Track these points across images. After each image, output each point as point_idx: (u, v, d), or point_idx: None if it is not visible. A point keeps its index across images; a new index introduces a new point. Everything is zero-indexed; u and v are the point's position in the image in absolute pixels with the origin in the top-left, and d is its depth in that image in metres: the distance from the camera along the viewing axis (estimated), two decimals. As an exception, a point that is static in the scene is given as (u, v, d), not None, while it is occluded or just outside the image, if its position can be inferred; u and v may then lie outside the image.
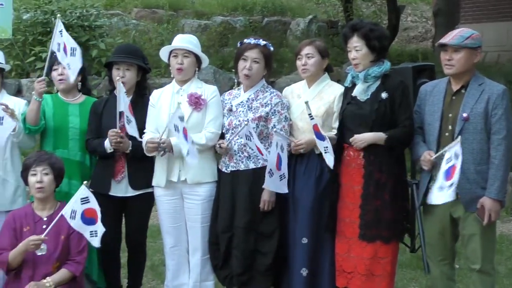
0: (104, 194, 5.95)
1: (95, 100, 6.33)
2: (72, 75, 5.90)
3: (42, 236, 5.26)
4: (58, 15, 6.01)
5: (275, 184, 5.50)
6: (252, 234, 5.71)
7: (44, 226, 5.44)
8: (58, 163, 5.59)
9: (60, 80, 6.13)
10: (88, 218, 5.26)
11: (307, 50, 5.77)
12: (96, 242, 5.29)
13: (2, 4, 9.15)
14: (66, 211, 5.20)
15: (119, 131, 5.79)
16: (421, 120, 5.49)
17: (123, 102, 5.66)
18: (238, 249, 5.72)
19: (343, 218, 5.60)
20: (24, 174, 5.58)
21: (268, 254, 5.72)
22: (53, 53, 5.91)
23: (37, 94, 5.90)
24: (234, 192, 5.75)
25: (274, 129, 5.66)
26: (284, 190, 5.53)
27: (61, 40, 5.81)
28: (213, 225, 5.88)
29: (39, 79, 5.94)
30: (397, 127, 5.43)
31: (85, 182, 5.44)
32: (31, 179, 5.50)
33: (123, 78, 5.95)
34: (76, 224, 5.24)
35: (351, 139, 5.46)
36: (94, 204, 5.27)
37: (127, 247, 6.26)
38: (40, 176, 5.47)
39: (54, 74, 6.16)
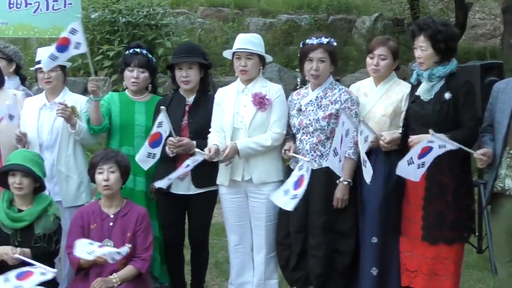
0: (167, 191, 6.02)
1: (160, 98, 6.39)
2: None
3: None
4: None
5: (335, 164, 5.39)
6: (330, 233, 5.68)
7: (111, 224, 5.52)
8: (124, 160, 5.67)
9: (134, 82, 6.20)
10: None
11: (381, 51, 5.70)
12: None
13: (71, 4, 9.29)
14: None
15: (176, 141, 5.78)
16: (492, 118, 5.40)
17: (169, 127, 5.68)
18: (317, 250, 5.68)
19: (408, 217, 5.55)
20: (91, 172, 5.67)
21: (347, 253, 5.70)
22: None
23: (92, 93, 5.99)
24: (308, 192, 5.66)
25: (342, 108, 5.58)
26: (340, 173, 5.48)
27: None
28: (280, 225, 5.87)
29: (90, 78, 6.01)
30: (461, 127, 5.34)
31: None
32: (98, 177, 5.58)
33: (187, 78, 6.00)
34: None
35: (409, 140, 5.38)
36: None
37: (190, 244, 6.30)
38: (106, 174, 5.55)
39: (128, 74, 6.23)
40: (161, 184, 5.67)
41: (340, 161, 5.36)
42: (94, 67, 11.16)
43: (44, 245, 5.52)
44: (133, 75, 6.19)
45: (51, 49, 6.07)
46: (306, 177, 5.28)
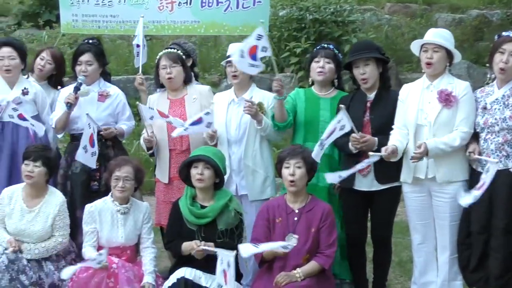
0: (350, 188, 6.03)
1: (346, 94, 6.40)
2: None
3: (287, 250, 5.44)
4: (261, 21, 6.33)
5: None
6: None
7: (296, 219, 5.59)
8: (310, 157, 5.70)
9: (319, 72, 6.26)
10: None
11: None
12: None
13: (260, 2, 9.49)
14: None
15: (358, 137, 5.79)
16: None
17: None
18: (498, 251, 5.54)
19: None
20: (278, 166, 5.76)
21: None
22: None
23: (276, 93, 6.08)
24: (492, 192, 5.54)
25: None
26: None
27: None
28: (462, 225, 5.74)
29: (275, 78, 6.10)
30: None
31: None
32: (284, 172, 5.67)
33: (364, 74, 5.99)
34: None
35: None
36: None
37: (372, 241, 6.29)
38: (292, 169, 5.62)
39: (314, 65, 6.31)
40: (332, 179, 5.72)
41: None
42: (282, 64, 11.41)
43: (227, 240, 5.68)
44: (319, 65, 6.27)
45: (242, 45, 6.24)
46: (488, 179, 5.23)
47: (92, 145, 6.10)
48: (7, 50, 6.58)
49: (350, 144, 5.84)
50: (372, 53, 6.06)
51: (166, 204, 6.36)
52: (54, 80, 7.19)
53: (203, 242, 5.60)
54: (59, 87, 7.05)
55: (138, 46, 7.11)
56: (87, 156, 6.11)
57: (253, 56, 5.89)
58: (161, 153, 6.48)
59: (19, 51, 6.65)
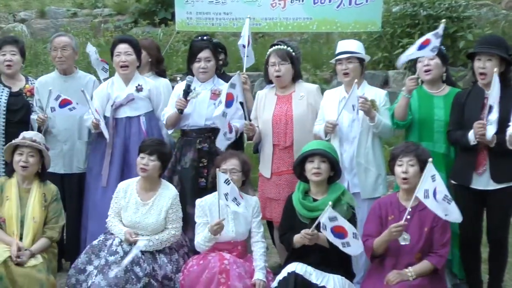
0: (465, 186, 5.91)
1: (459, 91, 6.28)
2: None
3: (402, 222, 5.35)
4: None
5: None
6: None
7: (409, 217, 5.52)
8: (424, 155, 5.59)
9: (426, 71, 6.18)
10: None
11: None
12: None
13: (373, -2, 9.45)
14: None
15: (485, 122, 5.66)
16: None
17: (495, 96, 5.52)
18: None
19: None
20: (391, 164, 5.70)
21: None
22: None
23: (407, 91, 6.02)
24: None
25: None
26: None
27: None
28: None
29: (411, 77, 6.02)
30: None
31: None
32: (397, 169, 5.61)
33: (484, 69, 5.85)
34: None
35: None
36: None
37: (488, 242, 6.16)
38: (406, 167, 5.55)
39: (419, 65, 6.23)
40: None
41: None
42: (394, 61, 11.29)
43: None
44: (424, 64, 6.19)
45: (354, 42, 6.22)
46: None
47: (230, 131, 6.29)
48: (123, 47, 6.72)
49: (470, 133, 5.73)
50: (497, 51, 5.91)
51: (264, 199, 6.43)
52: (153, 67, 7.29)
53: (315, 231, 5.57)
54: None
55: (244, 46, 7.15)
56: (222, 140, 6.28)
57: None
58: (265, 147, 6.51)
59: (135, 47, 6.78)
